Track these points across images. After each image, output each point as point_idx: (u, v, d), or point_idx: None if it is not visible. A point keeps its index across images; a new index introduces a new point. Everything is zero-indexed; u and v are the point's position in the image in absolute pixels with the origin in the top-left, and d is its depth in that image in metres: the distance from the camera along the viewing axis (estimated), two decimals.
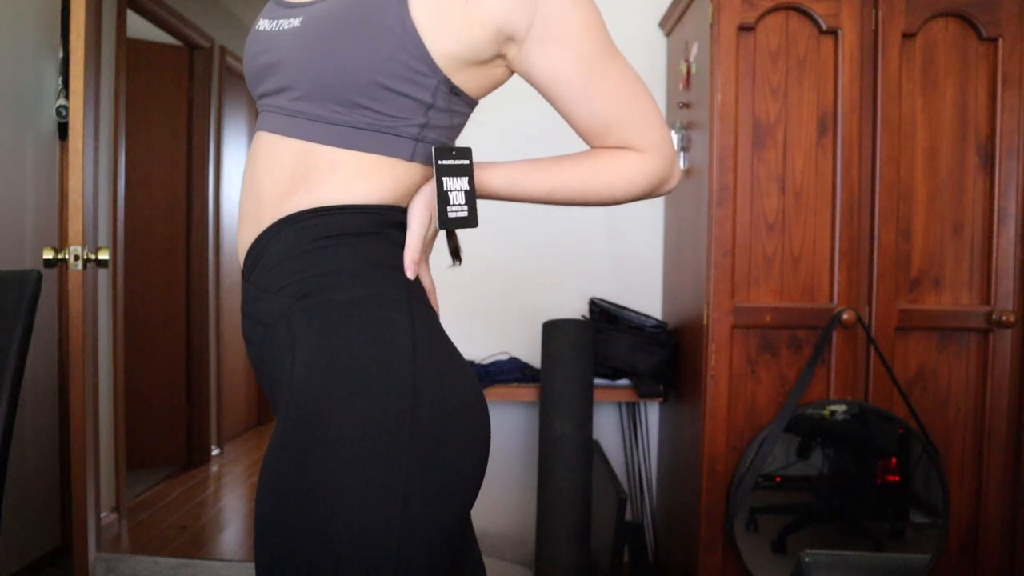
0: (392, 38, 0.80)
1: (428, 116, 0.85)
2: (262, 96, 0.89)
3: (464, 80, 0.86)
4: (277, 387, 0.85)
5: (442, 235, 0.97)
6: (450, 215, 0.85)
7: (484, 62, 0.86)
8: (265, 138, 0.88)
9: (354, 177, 0.84)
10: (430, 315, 0.87)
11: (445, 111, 0.86)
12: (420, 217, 0.86)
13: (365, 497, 0.75)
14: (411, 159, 0.86)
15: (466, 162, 0.87)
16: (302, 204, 0.84)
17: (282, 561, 0.76)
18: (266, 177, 0.87)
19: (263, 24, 0.90)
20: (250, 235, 0.88)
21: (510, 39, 0.85)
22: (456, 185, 0.86)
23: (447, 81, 0.84)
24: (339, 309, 0.81)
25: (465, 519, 0.86)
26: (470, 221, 0.86)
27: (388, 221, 0.86)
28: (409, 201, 0.88)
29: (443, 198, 0.85)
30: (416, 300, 0.85)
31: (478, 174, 0.89)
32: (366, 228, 0.84)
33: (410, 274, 0.85)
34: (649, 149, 0.91)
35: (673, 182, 0.95)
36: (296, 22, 0.85)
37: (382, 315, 0.81)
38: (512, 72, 0.91)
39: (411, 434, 0.77)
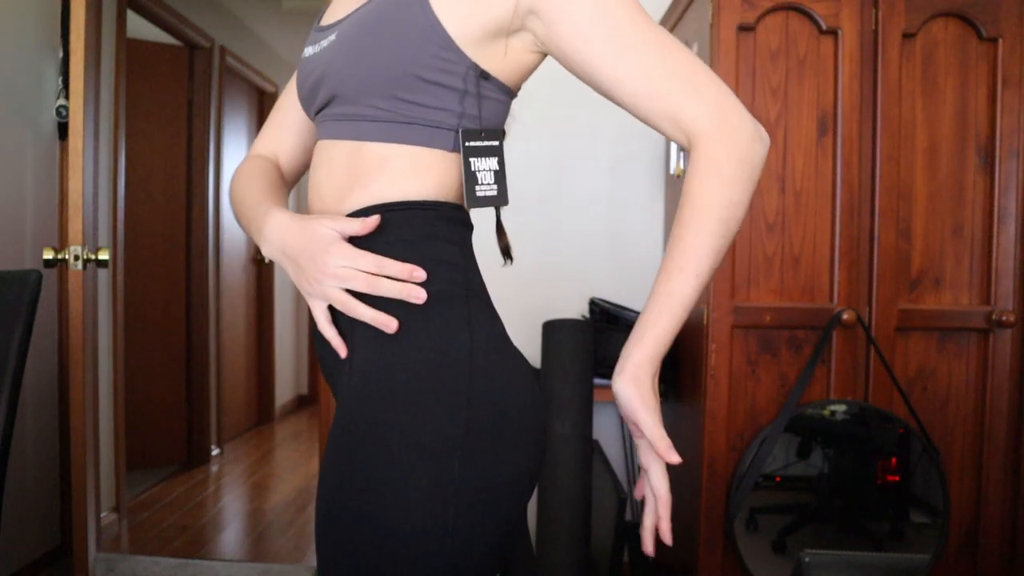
0: (417, 30, 0.83)
1: (464, 105, 0.86)
2: (317, 113, 0.93)
3: (491, 63, 0.87)
4: (336, 385, 0.90)
5: (491, 233, 0.99)
6: (479, 194, 0.86)
7: (507, 37, 0.86)
8: (322, 146, 0.92)
9: (403, 171, 0.86)
10: (489, 314, 0.87)
11: (479, 97, 0.87)
12: (651, 415, 0.84)
13: (418, 498, 0.78)
14: (453, 150, 0.87)
15: (495, 143, 0.88)
16: (358, 202, 0.87)
17: (341, 555, 0.81)
18: (325, 181, 0.91)
19: (307, 51, 0.96)
20: None
21: (531, 12, 0.84)
22: (485, 166, 0.87)
23: (475, 66, 0.85)
24: (396, 309, 0.83)
25: (518, 519, 0.86)
26: (500, 200, 0.87)
27: (440, 216, 0.87)
28: (454, 195, 0.89)
29: (471, 178, 0.86)
30: (475, 298, 0.86)
31: (650, 349, 0.86)
32: (418, 226, 0.86)
33: (673, 458, 0.83)
34: (710, 121, 0.80)
35: (759, 149, 0.81)
36: (332, 37, 0.90)
37: (440, 315, 0.83)
38: (544, 55, 0.90)
39: (465, 436, 0.79)
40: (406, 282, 0.82)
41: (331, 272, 0.83)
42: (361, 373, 0.82)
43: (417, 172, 0.86)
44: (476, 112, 0.87)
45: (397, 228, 0.85)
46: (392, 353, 0.81)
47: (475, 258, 0.91)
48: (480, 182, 0.86)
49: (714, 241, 0.81)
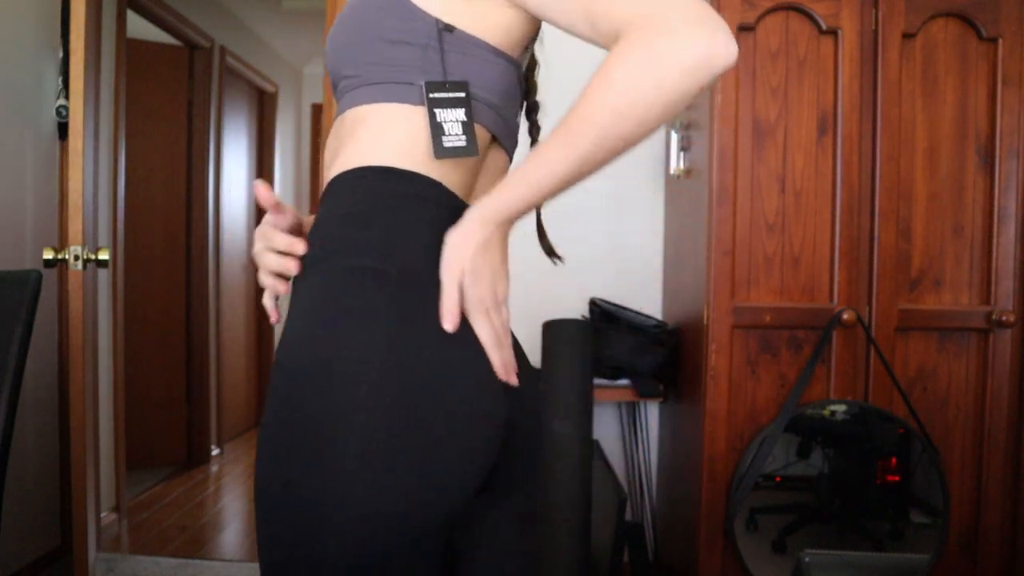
0: None
1: (426, 60, 0.83)
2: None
3: (456, 17, 0.83)
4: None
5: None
6: (446, 144, 0.83)
7: None
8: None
9: (372, 134, 0.85)
10: (418, 300, 0.77)
11: (441, 52, 0.83)
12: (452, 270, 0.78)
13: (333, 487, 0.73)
14: (420, 103, 0.83)
15: (461, 95, 0.84)
16: (335, 170, 0.87)
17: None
18: (327, 154, 0.92)
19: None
20: None
21: None
22: (452, 116, 0.84)
23: (436, 21, 0.83)
24: (316, 285, 0.80)
25: (434, 536, 0.76)
26: (469, 150, 0.84)
27: (382, 184, 0.82)
28: (423, 151, 0.83)
29: (436, 128, 0.83)
30: (396, 283, 0.77)
31: (492, 204, 0.78)
32: (348, 196, 0.83)
33: (447, 325, 0.76)
34: (667, 16, 0.67)
35: (720, 53, 0.67)
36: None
37: (358, 296, 0.77)
38: (520, 8, 0.84)
39: (363, 432, 0.72)
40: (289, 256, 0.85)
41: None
42: (281, 350, 0.79)
43: (383, 133, 0.84)
44: (440, 67, 0.83)
45: (333, 199, 0.85)
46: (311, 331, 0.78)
47: (425, 234, 0.80)
48: (447, 132, 0.83)
49: (606, 127, 0.70)
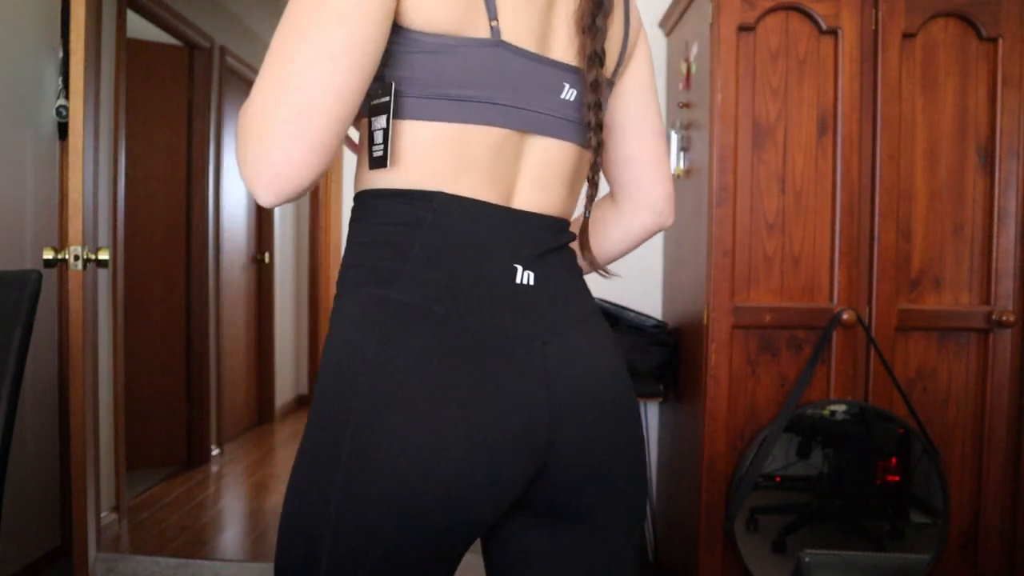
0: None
1: (393, 66, 0.78)
2: None
3: (405, 14, 0.76)
4: None
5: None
6: (374, 154, 0.79)
7: None
8: None
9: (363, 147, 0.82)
10: (379, 303, 0.77)
11: (388, 54, 0.77)
12: None
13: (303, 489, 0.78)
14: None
15: (386, 98, 0.78)
16: (356, 185, 0.87)
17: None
18: None
19: None
20: None
21: None
22: (378, 124, 0.79)
23: (396, 25, 0.76)
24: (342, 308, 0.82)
25: (399, 553, 0.76)
26: (382, 161, 0.78)
27: (366, 200, 0.83)
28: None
29: (370, 138, 0.79)
30: (356, 293, 0.79)
31: None
32: (377, 225, 0.82)
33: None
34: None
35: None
36: None
37: (336, 312, 0.81)
38: None
39: (349, 439, 0.75)
40: None
41: None
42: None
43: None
44: (396, 65, 0.78)
45: (356, 223, 0.85)
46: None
47: (383, 245, 0.80)
48: (375, 142, 0.79)
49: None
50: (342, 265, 0.84)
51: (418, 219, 0.79)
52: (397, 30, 0.77)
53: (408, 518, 0.74)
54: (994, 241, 1.98)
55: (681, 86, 2.24)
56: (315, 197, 5.23)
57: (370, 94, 0.77)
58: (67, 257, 2.06)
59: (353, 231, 0.84)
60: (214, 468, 3.88)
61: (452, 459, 0.74)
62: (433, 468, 0.73)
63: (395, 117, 0.78)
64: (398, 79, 0.78)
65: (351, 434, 0.74)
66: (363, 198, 0.83)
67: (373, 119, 0.78)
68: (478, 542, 0.90)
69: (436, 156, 0.79)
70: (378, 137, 0.78)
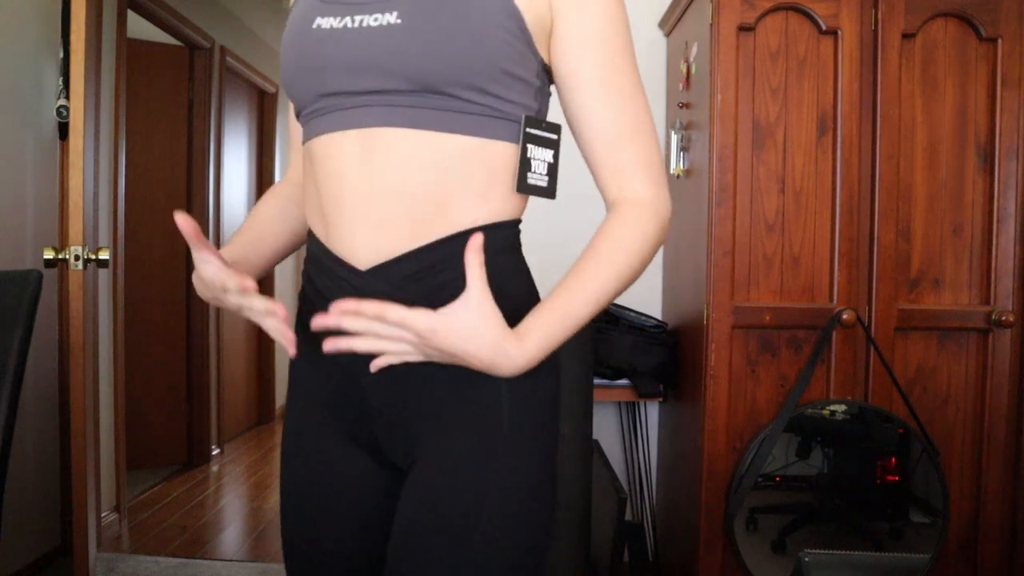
0: (502, 19, 0.81)
1: (537, 100, 0.88)
2: (344, 94, 0.84)
3: (546, 53, 0.87)
4: None
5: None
6: (530, 181, 0.86)
7: (551, 24, 0.86)
8: (377, 134, 0.83)
9: (488, 175, 0.85)
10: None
11: (543, 93, 0.90)
12: None
13: None
14: (515, 141, 0.87)
15: (554, 136, 0.87)
16: (456, 211, 0.83)
17: None
18: (400, 170, 0.83)
19: (325, 22, 0.85)
20: (397, 240, 0.83)
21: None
22: (540, 155, 0.86)
23: (542, 59, 0.87)
24: None
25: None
26: (549, 192, 0.87)
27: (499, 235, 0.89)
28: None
29: (525, 163, 0.85)
30: None
31: (532, 350, 0.80)
32: (509, 241, 0.91)
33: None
34: (651, 192, 0.87)
35: (667, 227, 0.91)
36: (391, 18, 0.81)
37: None
38: None
39: None
40: None
41: None
42: None
43: (501, 178, 0.85)
44: (541, 107, 0.89)
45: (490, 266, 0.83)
46: None
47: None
48: (533, 169, 0.86)
49: (619, 285, 0.84)
50: (516, 302, 0.86)
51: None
52: (547, 69, 0.89)
53: None
54: (994, 241, 1.98)
55: (681, 86, 2.25)
56: None
57: (527, 121, 0.86)
58: (67, 257, 2.06)
59: (513, 261, 0.90)
60: (214, 468, 3.88)
61: None
62: None
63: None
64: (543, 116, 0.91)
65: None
66: (509, 227, 0.89)
67: (533, 148, 0.86)
68: None
69: None
70: (542, 168, 0.87)
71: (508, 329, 0.77)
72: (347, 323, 0.75)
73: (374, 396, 0.88)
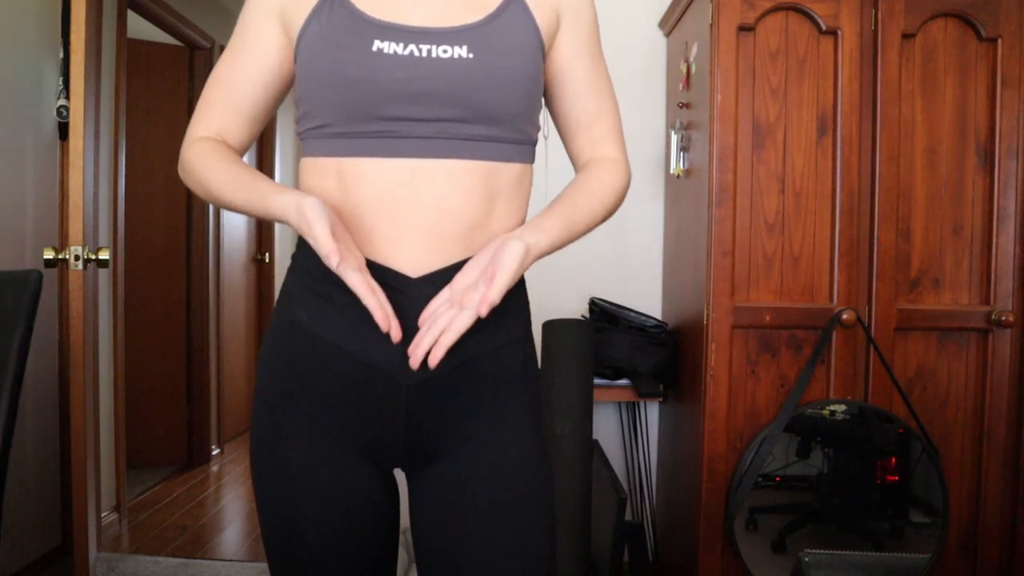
0: (538, 57, 0.94)
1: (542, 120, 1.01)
2: (404, 120, 0.88)
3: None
4: None
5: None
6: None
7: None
8: (432, 164, 0.89)
9: (523, 193, 0.98)
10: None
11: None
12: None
13: None
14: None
15: None
16: (506, 221, 0.95)
17: None
18: (451, 199, 0.90)
19: (387, 47, 0.88)
20: (446, 252, 0.91)
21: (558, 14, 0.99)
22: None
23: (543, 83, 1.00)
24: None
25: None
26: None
27: None
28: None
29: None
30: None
31: (543, 243, 0.92)
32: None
33: (483, 311, 0.82)
34: (621, 156, 1.03)
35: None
36: (462, 52, 0.88)
37: None
38: None
39: None
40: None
41: None
42: None
43: (526, 194, 0.99)
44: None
45: None
46: None
47: None
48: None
49: (602, 214, 1.00)
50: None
51: None
52: None
53: None
54: (994, 241, 1.98)
55: (681, 86, 2.25)
56: None
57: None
58: (67, 257, 2.06)
59: None
60: (214, 468, 3.88)
61: None
62: None
63: None
64: None
65: None
66: None
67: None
68: None
69: None
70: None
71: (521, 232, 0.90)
72: (441, 321, 0.83)
73: (414, 397, 0.92)
